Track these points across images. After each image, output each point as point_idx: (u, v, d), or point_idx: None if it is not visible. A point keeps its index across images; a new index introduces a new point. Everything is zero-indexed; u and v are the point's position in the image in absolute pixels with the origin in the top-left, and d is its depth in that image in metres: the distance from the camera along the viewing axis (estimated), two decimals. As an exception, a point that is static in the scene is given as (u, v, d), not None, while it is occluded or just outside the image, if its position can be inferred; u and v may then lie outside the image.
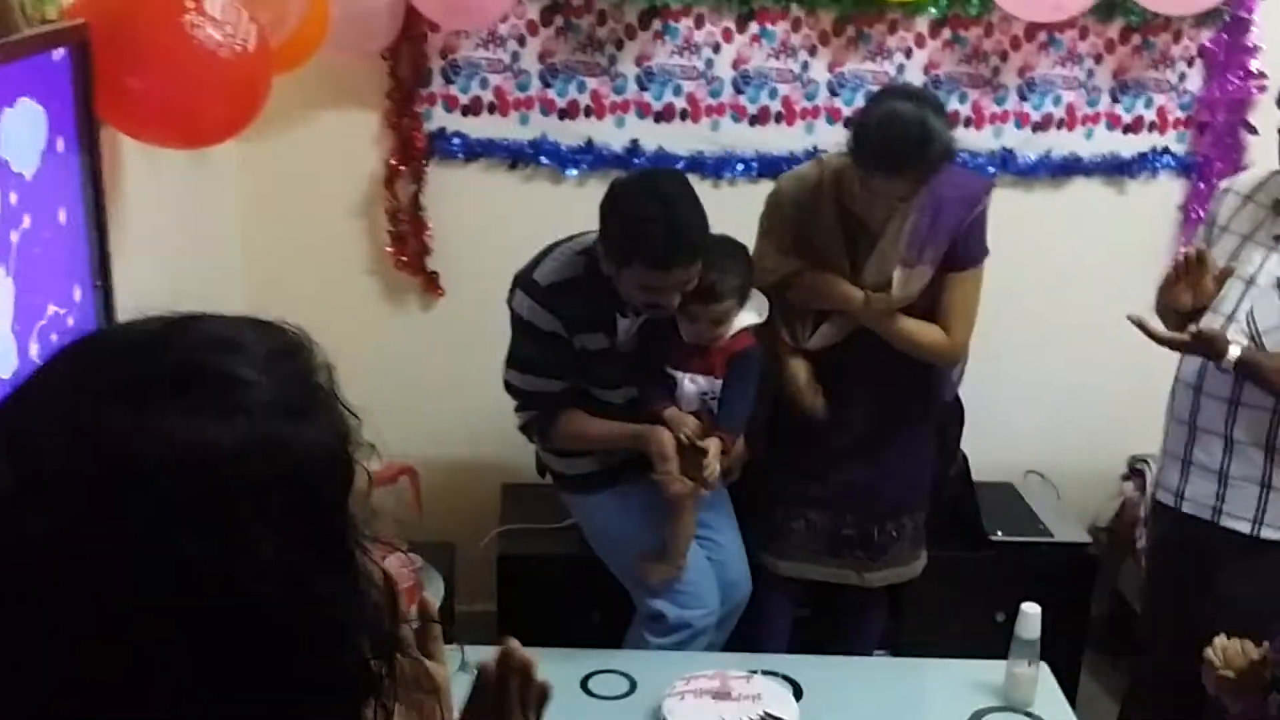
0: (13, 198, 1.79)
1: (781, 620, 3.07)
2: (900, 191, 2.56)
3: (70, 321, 2.02)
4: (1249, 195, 2.67)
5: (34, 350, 1.88)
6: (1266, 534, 2.63)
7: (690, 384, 2.75)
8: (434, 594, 2.92)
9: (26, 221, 1.84)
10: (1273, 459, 2.61)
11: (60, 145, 1.96)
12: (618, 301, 2.62)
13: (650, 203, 2.47)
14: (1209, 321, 2.59)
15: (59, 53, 1.94)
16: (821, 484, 2.91)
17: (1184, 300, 2.59)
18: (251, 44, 2.13)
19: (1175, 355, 2.74)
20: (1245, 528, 2.65)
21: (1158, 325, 2.60)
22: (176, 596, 0.81)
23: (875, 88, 3.36)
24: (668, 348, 2.75)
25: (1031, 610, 2.61)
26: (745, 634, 3.02)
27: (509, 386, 2.75)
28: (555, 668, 2.68)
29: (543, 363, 2.66)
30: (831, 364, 2.86)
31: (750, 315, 2.75)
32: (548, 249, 2.69)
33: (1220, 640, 2.20)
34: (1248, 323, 2.57)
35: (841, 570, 2.99)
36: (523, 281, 2.64)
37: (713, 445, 2.69)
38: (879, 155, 2.52)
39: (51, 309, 1.95)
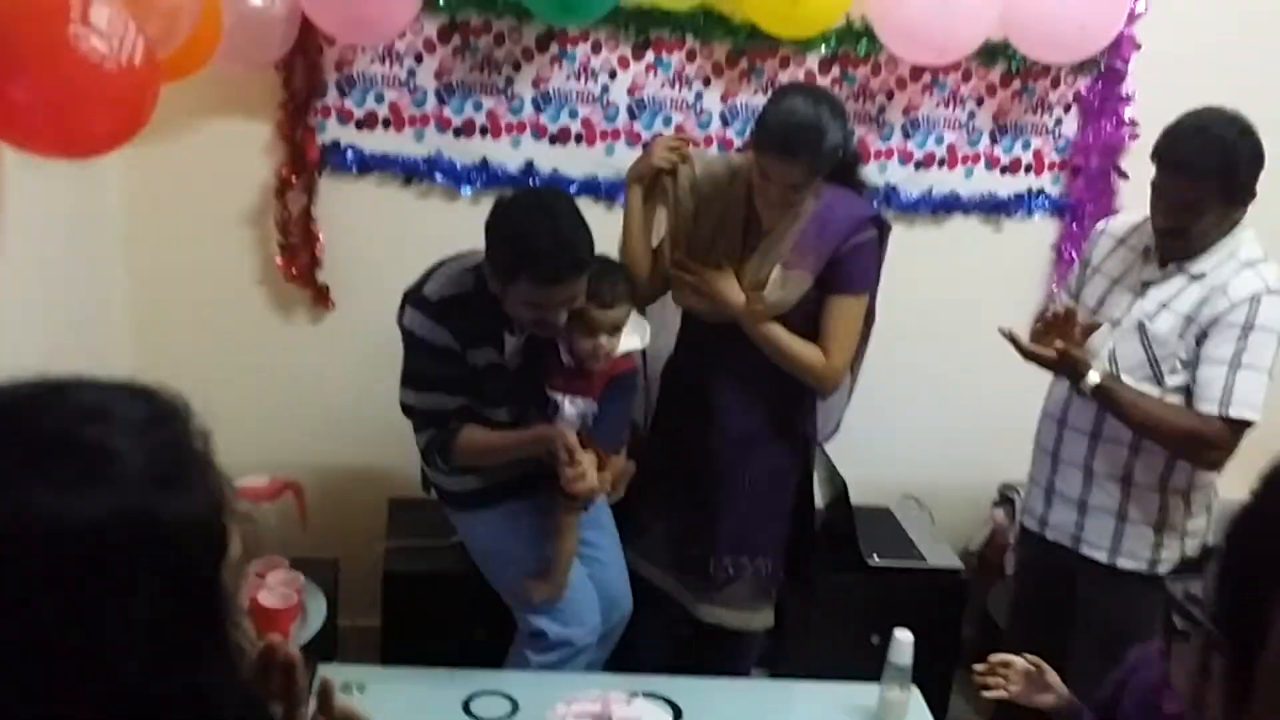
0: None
1: (659, 637, 3.10)
2: (794, 177, 2.64)
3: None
4: (1122, 239, 2.80)
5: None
6: (1122, 564, 2.77)
7: (570, 406, 2.79)
8: (316, 612, 2.90)
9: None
10: (1128, 492, 2.74)
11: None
12: (505, 319, 2.64)
13: (536, 218, 2.50)
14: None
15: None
16: (679, 491, 2.96)
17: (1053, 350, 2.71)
18: (138, 56, 2.08)
19: (1045, 388, 2.85)
20: (1103, 557, 2.79)
21: (1026, 341, 2.71)
22: (42, 673, 0.80)
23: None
24: (549, 367, 2.78)
25: (904, 637, 2.69)
26: (625, 649, 3.05)
27: (405, 407, 2.74)
28: (437, 689, 2.74)
29: (439, 378, 2.66)
30: (699, 371, 2.91)
31: (633, 339, 2.80)
32: (434, 266, 2.70)
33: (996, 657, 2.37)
34: (1110, 361, 2.70)
35: (684, 590, 3.02)
36: (413, 298, 2.65)
37: (587, 458, 2.70)
38: (775, 138, 2.61)
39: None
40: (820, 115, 2.60)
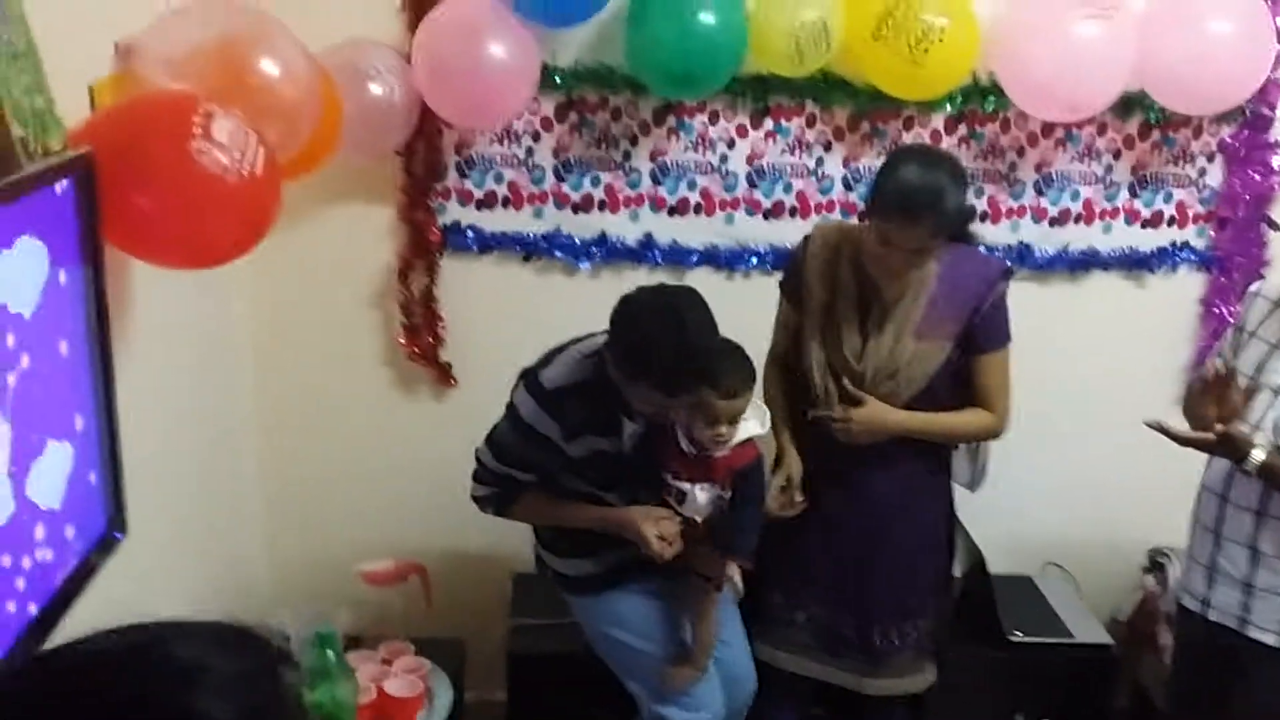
0: (10, 340, 1.78)
1: (792, 714, 3.02)
2: (914, 241, 2.56)
3: (71, 451, 2.01)
4: (1277, 301, 2.64)
5: (30, 490, 1.87)
6: None
7: (701, 493, 2.72)
8: (442, 696, 2.90)
9: (25, 361, 1.83)
10: None
11: (62, 278, 1.95)
12: (624, 405, 2.59)
13: (663, 324, 2.43)
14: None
15: (62, 184, 1.94)
16: (819, 575, 2.87)
17: (1210, 413, 2.56)
18: (260, 166, 2.12)
19: (1197, 451, 2.69)
20: (1271, 639, 2.61)
21: (1179, 427, 2.57)
22: None
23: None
24: (666, 453, 2.72)
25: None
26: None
27: (478, 460, 2.72)
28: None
29: (524, 459, 2.65)
30: (832, 445, 2.82)
31: (754, 425, 2.73)
32: (557, 349, 2.68)
33: None
34: (1275, 433, 2.53)
35: (841, 673, 2.94)
36: (529, 381, 2.63)
37: (732, 569, 2.75)
38: (894, 202, 2.55)
39: (50, 444, 1.94)
40: (939, 175, 2.54)
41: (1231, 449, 2.52)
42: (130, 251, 2.17)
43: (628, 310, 2.51)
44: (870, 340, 2.74)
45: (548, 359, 2.66)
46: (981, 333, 2.76)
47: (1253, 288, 2.77)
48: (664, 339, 2.41)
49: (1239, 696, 2.70)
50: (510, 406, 2.64)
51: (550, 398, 2.58)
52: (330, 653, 2.52)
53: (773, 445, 2.93)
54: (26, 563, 1.91)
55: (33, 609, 1.93)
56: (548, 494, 2.72)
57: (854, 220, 2.93)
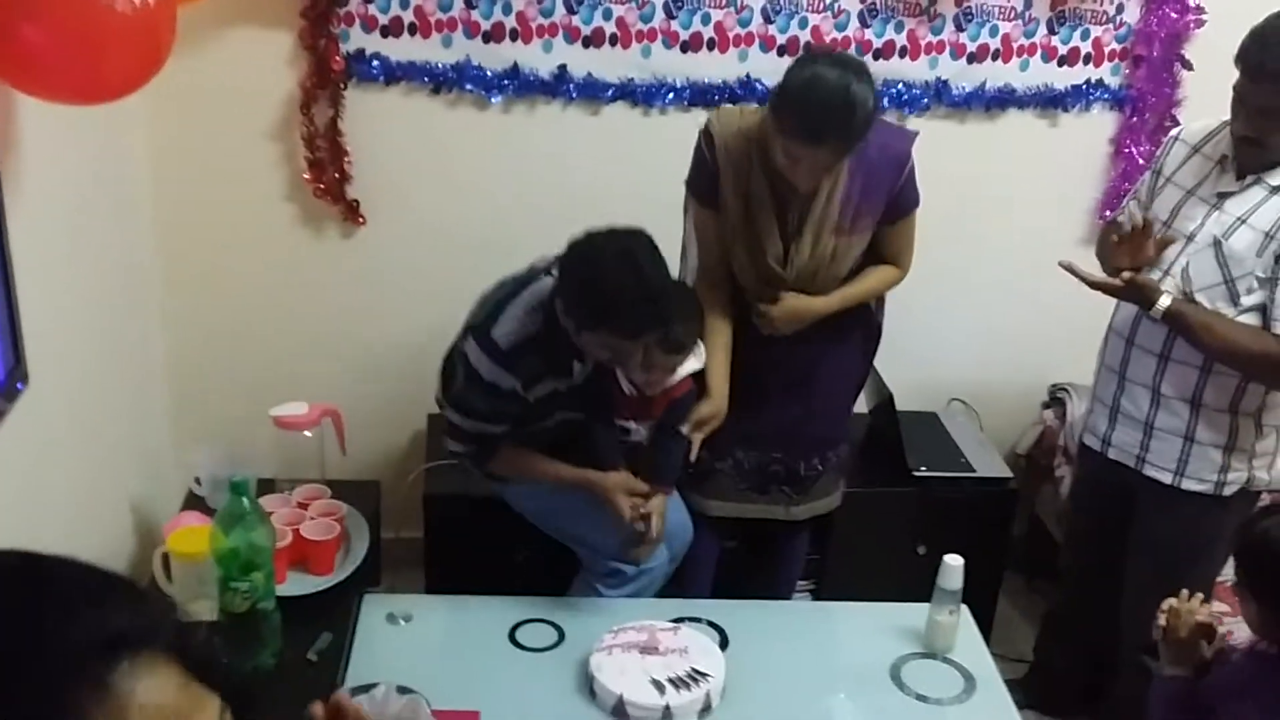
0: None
1: (709, 557, 3.08)
2: (824, 161, 2.52)
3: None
4: (1197, 147, 2.66)
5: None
6: (1186, 485, 2.71)
7: (643, 429, 2.79)
8: (359, 539, 2.89)
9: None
10: (1197, 414, 2.66)
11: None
12: (574, 350, 2.58)
13: (621, 270, 2.39)
14: (1146, 272, 2.60)
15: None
16: (750, 423, 2.90)
17: (1122, 263, 2.60)
18: (152, -3, 1.99)
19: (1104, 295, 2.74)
20: (1167, 478, 2.72)
21: (1089, 271, 2.61)
22: None
23: (808, 14, 3.28)
24: (610, 386, 2.74)
25: (954, 562, 2.65)
26: (676, 570, 3.03)
27: (448, 421, 2.70)
28: (483, 617, 2.74)
29: (493, 413, 2.62)
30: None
31: (693, 362, 2.75)
32: (500, 301, 2.58)
33: (1171, 601, 2.26)
34: (1182, 278, 2.58)
35: (770, 506, 3.00)
36: (480, 338, 2.56)
37: (656, 503, 2.74)
38: (801, 124, 2.46)
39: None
40: (848, 86, 2.42)
41: (1139, 296, 2.57)
42: (18, 86, 2.03)
43: (581, 256, 2.46)
44: (791, 244, 2.70)
45: (494, 313, 2.57)
46: (896, 206, 2.74)
47: (1173, 132, 2.79)
48: (624, 280, 2.39)
49: (1133, 531, 2.83)
50: (466, 366, 2.59)
51: (508, 356, 2.54)
52: (245, 499, 2.47)
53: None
54: (-73, 418, 1.83)
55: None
56: (523, 447, 2.72)
57: (752, 108, 2.78)
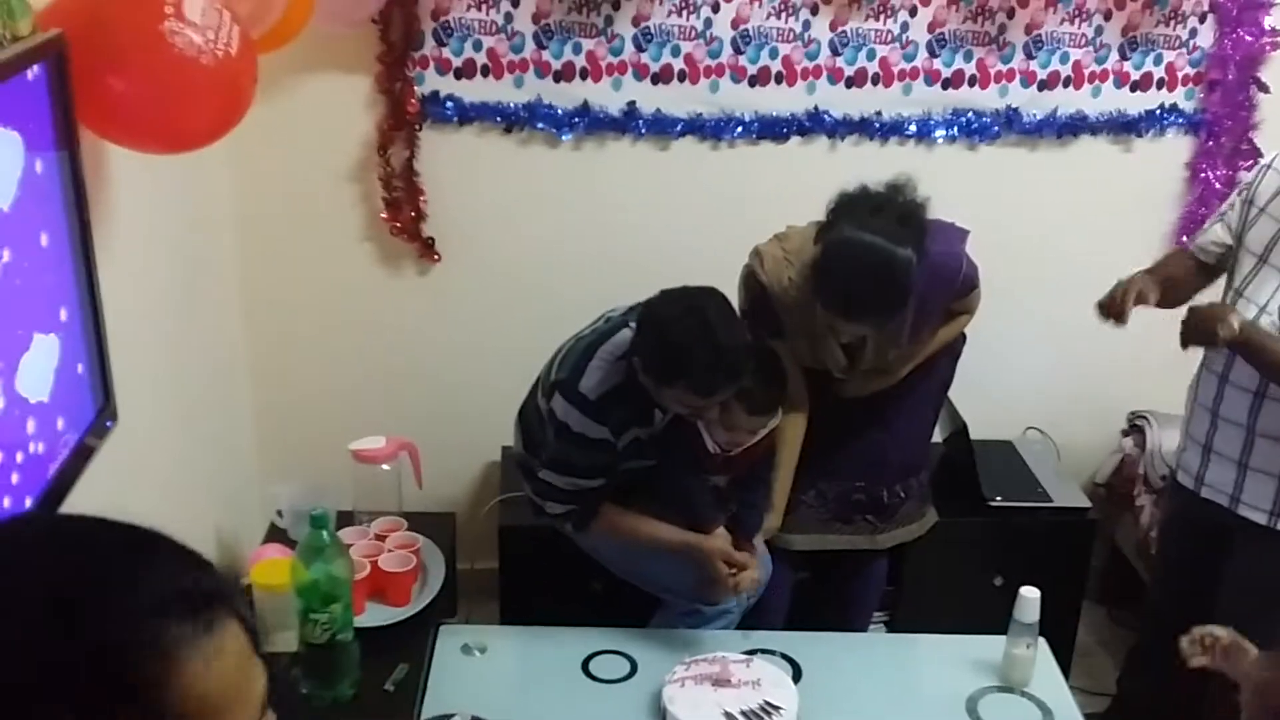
0: (-10, 236, 1.73)
1: (784, 589, 3.08)
2: (866, 330, 2.56)
3: (57, 343, 1.99)
4: None
5: (19, 384, 1.85)
6: None
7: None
8: (435, 571, 2.93)
9: (6, 255, 1.78)
10: None
11: (39, 167, 1.89)
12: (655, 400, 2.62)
13: (691, 328, 2.42)
14: (1242, 307, 2.54)
15: (34, 70, 1.87)
16: (831, 453, 2.90)
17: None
18: (234, 45, 2.05)
19: (1175, 310, 2.69)
20: (1262, 518, 2.65)
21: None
22: None
23: (876, 46, 3.29)
24: (693, 437, 2.76)
25: (1030, 594, 2.62)
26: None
27: (542, 483, 2.74)
28: (556, 648, 2.77)
29: (590, 467, 2.67)
30: None
31: (771, 420, 2.76)
32: (585, 353, 2.63)
33: (1200, 630, 2.21)
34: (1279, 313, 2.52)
35: (854, 537, 3.00)
36: (569, 393, 2.61)
37: (748, 561, 2.76)
38: (839, 299, 2.50)
39: (37, 338, 1.91)
40: (890, 258, 2.42)
41: (1202, 326, 2.50)
42: (106, 137, 2.11)
43: (654, 316, 2.51)
44: (856, 360, 2.74)
45: (578, 367, 2.62)
46: (956, 303, 2.77)
47: (1265, 159, 2.69)
48: (695, 339, 2.42)
49: (1227, 570, 2.75)
50: (557, 423, 2.64)
51: (597, 407, 2.59)
52: (324, 532, 2.53)
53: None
54: (20, 457, 1.90)
55: (28, 502, 1.92)
56: (623, 508, 2.76)
57: (794, 236, 2.72)
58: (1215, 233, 2.68)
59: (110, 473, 2.27)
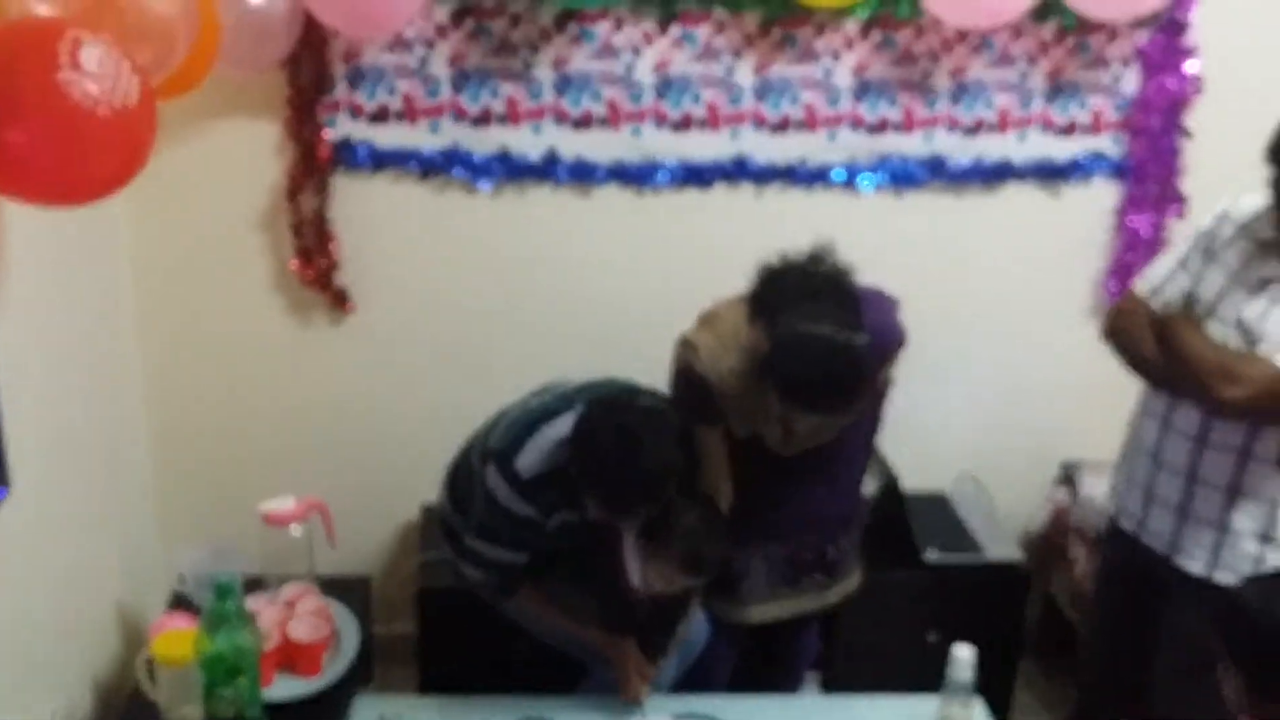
0: None
1: (728, 664, 2.98)
2: (823, 419, 2.51)
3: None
4: (1244, 225, 2.50)
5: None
6: (1220, 578, 2.56)
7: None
8: (349, 639, 2.80)
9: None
10: (1233, 503, 2.53)
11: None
12: None
13: (618, 447, 2.36)
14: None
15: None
16: (773, 513, 2.81)
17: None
18: (133, 96, 1.94)
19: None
20: (1199, 569, 2.59)
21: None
22: None
23: (801, 90, 3.24)
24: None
25: (963, 654, 2.55)
26: (690, 674, 2.93)
27: (469, 551, 2.64)
28: (478, 718, 2.64)
29: (514, 539, 2.58)
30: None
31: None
32: (526, 428, 2.54)
33: None
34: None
35: (802, 599, 2.90)
36: (502, 466, 2.52)
37: (650, 677, 2.72)
38: (804, 399, 2.41)
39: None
40: (849, 345, 2.34)
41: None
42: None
43: (588, 424, 2.44)
44: (795, 433, 2.65)
45: (518, 442, 2.52)
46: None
47: (1221, 207, 2.58)
48: (617, 461, 2.36)
49: (1163, 627, 2.70)
50: (486, 491, 2.56)
51: (527, 486, 2.50)
52: (230, 601, 2.40)
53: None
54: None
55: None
56: (542, 591, 2.69)
57: (728, 318, 2.57)
58: (1181, 282, 2.61)
59: (2, 542, 2.18)
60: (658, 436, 2.39)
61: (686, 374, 2.60)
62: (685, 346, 2.60)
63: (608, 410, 2.44)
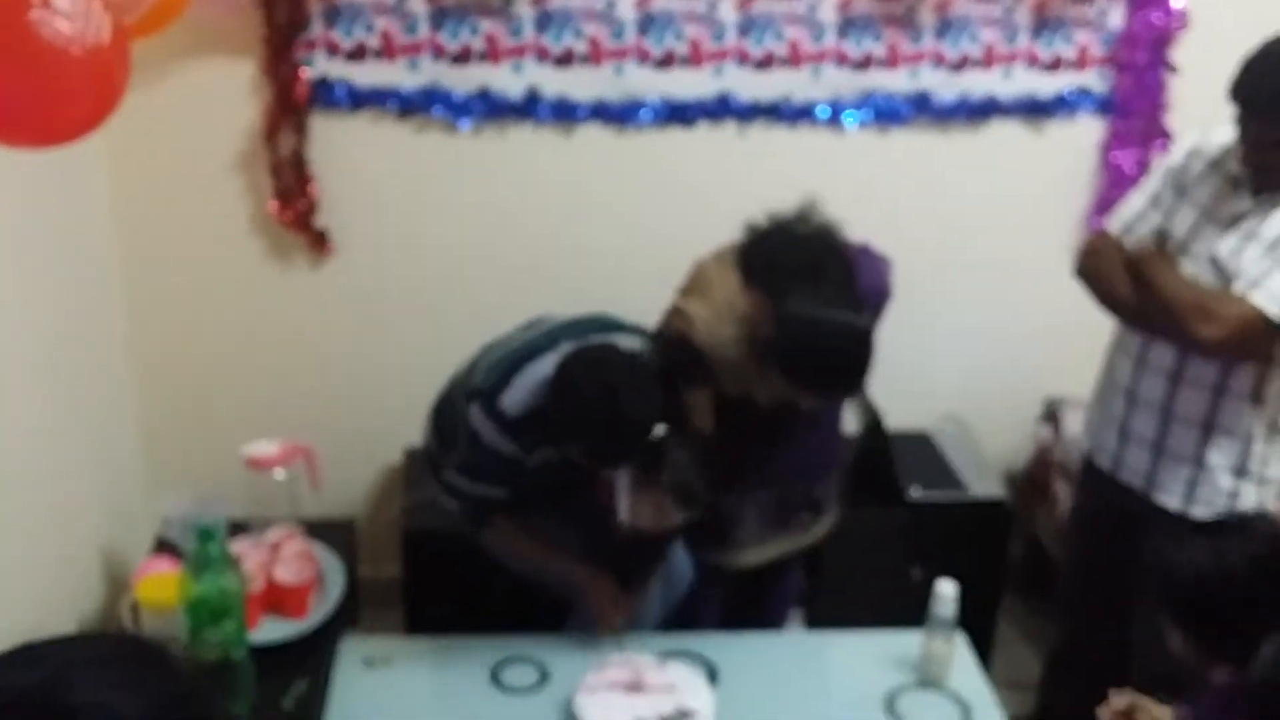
0: None
1: (717, 607, 3.00)
2: (833, 401, 2.52)
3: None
4: (1215, 161, 2.51)
5: None
6: (1195, 512, 2.59)
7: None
8: (335, 581, 2.80)
9: None
10: (1208, 438, 2.55)
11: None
12: None
13: (599, 401, 2.34)
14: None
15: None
16: (764, 462, 2.81)
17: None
18: (105, 34, 1.91)
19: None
20: (1175, 504, 2.61)
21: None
22: None
23: (785, 26, 3.20)
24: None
25: (947, 588, 2.56)
26: (678, 616, 2.94)
27: (449, 485, 2.63)
28: (464, 658, 2.66)
29: (495, 476, 2.57)
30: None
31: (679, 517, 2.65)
32: (511, 366, 2.52)
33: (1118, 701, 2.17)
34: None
35: (793, 539, 2.91)
36: (486, 405, 2.50)
37: (629, 610, 2.70)
38: (819, 384, 2.42)
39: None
40: (856, 330, 2.33)
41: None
42: (-35, 129, 1.96)
43: (566, 378, 2.41)
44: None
45: (502, 380, 2.50)
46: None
47: (1190, 141, 2.60)
48: (601, 414, 2.34)
49: (1140, 559, 2.70)
50: (468, 430, 2.53)
51: (512, 425, 2.49)
52: (213, 545, 2.39)
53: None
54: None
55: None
56: (518, 522, 2.67)
57: (722, 285, 2.51)
58: (1153, 220, 2.60)
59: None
60: (639, 389, 2.38)
61: (681, 342, 2.58)
62: (679, 317, 2.56)
63: (588, 366, 2.42)
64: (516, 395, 2.49)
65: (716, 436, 2.68)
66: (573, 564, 2.72)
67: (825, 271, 2.40)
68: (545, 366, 2.49)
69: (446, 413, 2.72)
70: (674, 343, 2.59)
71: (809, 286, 2.37)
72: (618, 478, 2.60)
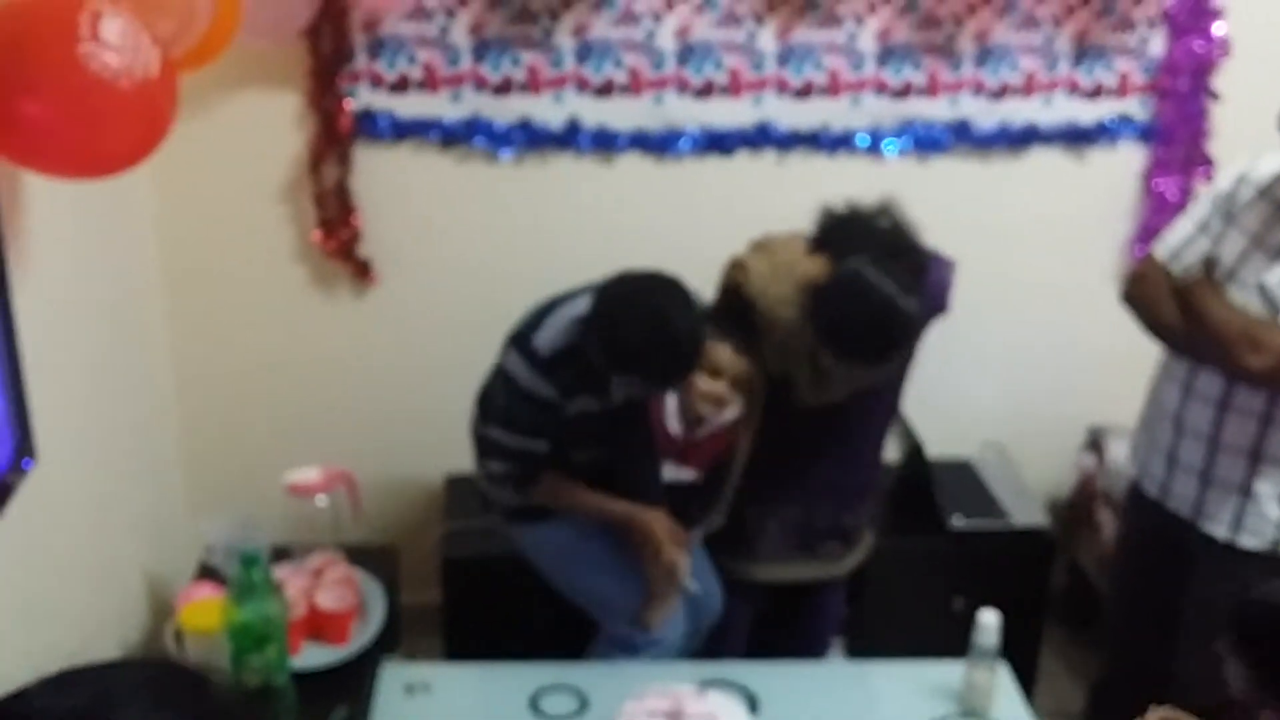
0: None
1: (743, 623, 2.99)
2: (851, 370, 2.49)
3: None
4: (1264, 190, 2.47)
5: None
6: (1244, 542, 2.55)
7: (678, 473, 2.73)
8: (376, 607, 2.81)
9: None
10: (1256, 467, 2.51)
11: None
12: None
13: (647, 326, 2.34)
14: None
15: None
16: (792, 477, 2.81)
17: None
18: (153, 67, 1.94)
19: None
20: (1223, 533, 2.58)
21: None
22: None
23: (824, 56, 3.21)
24: (650, 423, 2.66)
25: (989, 618, 2.54)
26: (708, 639, 2.93)
27: (488, 440, 2.63)
28: (503, 684, 2.66)
29: (535, 426, 2.56)
30: None
31: (732, 411, 2.66)
32: (543, 310, 2.55)
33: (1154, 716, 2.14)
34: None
35: (816, 566, 2.91)
36: (521, 346, 2.52)
37: (686, 545, 2.69)
38: (835, 341, 2.42)
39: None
40: (898, 306, 2.34)
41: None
42: (21, 163, 1.99)
43: (606, 308, 2.41)
44: (826, 384, 2.62)
45: (535, 321, 2.53)
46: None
47: (1239, 169, 2.56)
48: (652, 339, 2.34)
49: (1188, 589, 2.67)
50: (506, 376, 2.55)
51: (548, 364, 2.49)
52: (256, 570, 2.41)
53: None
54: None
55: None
56: (565, 474, 2.66)
57: (786, 249, 2.55)
58: (1201, 246, 2.58)
59: (30, 514, 2.17)
60: (683, 302, 2.40)
61: (733, 293, 2.60)
62: (736, 268, 2.61)
63: (628, 294, 2.42)
64: (549, 334, 2.50)
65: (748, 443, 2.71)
66: (626, 504, 2.68)
67: (897, 256, 2.43)
68: (577, 307, 2.50)
69: (489, 377, 2.71)
70: (727, 291, 2.61)
71: (878, 256, 2.41)
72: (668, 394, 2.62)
